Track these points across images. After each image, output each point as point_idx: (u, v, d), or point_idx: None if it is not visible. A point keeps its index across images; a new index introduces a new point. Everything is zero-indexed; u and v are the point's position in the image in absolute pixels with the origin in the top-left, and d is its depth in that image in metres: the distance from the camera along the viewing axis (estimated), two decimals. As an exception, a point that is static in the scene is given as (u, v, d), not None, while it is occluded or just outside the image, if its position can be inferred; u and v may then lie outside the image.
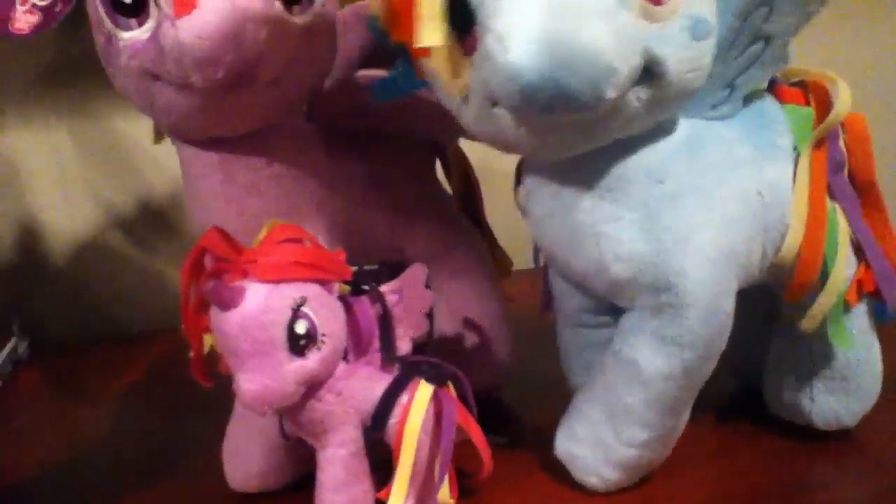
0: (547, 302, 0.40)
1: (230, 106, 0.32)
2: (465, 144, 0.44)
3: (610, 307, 0.35)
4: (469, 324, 0.42)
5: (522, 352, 0.44)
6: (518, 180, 0.35)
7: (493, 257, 0.45)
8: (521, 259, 0.47)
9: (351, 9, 0.38)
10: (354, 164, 0.38)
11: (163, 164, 0.61)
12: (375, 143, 0.39)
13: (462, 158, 0.45)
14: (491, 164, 0.43)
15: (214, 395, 0.35)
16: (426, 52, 0.28)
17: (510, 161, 0.34)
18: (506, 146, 0.30)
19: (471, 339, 0.43)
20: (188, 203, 0.38)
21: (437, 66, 0.28)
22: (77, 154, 0.61)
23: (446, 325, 0.42)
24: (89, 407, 0.50)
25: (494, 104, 0.28)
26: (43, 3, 0.35)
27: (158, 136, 0.41)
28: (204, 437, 0.42)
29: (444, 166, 0.45)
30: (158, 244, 0.64)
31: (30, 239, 0.62)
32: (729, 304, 0.32)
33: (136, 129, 0.60)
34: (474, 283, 0.43)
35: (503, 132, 0.29)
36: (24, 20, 0.35)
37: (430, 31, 0.27)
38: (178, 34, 0.29)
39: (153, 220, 0.63)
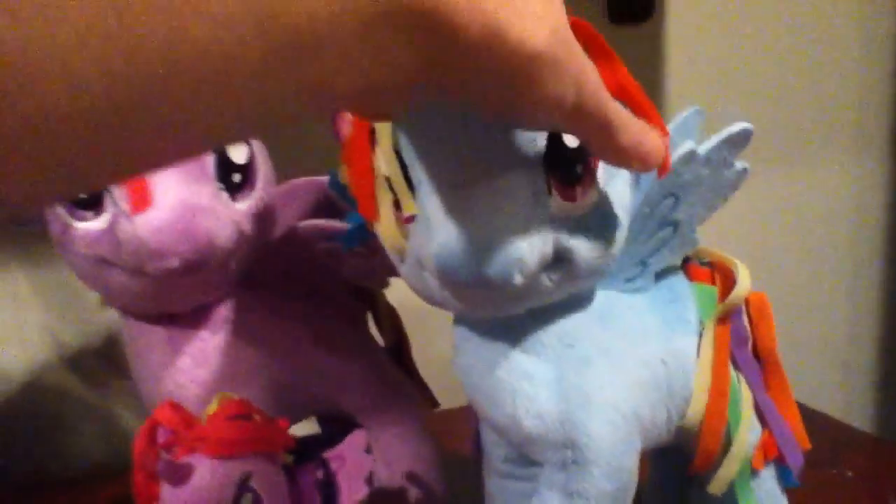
0: (477, 446, 0.42)
1: (180, 287, 0.36)
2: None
3: (532, 461, 0.36)
4: (403, 470, 0.45)
5: (458, 489, 0.46)
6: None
7: (420, 397, 0.48)
8: (454, 396, 0.49)
9: (306, 182, 0.42)
10: (295, 325, 0.41)
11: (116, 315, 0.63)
12: (313, 303, 0.42)
13: (390, 308, 0.48)
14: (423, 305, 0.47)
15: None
16: (374, 216, 0.32)
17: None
18: (434, 303, 0.33)
19: (406, 484, 0.45)
20: (134, 373, 0.40)
21: (382, 229, 0.32)
22: (36, 302, 0.63)
23: (382, 472, 0.44)
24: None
25: (423, 267, 0.31)
26: None
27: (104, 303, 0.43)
28: None
29: (375, 315, 0.48)
30: (110, 387, 0.65)
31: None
32: (631, 462, 0.34)
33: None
34: (406, 430, 0.45)
35: (431, 292, 0.32)
36: None
37: (381, 206, 0.31)
38: (134, 229, 0.32)
39: (105, 365, 0.65)
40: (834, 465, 0.54)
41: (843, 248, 0.88)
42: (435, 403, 0.49)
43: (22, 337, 0.63)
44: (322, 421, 0.46)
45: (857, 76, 0.85)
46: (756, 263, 0.40)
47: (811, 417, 0.57)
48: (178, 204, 0.33)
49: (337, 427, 0.42)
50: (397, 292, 0.45)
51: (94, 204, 0.34)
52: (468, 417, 0.43)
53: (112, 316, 0.62)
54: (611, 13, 0.72)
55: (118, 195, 0.33)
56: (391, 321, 0.48)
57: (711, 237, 0.39)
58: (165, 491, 0.31)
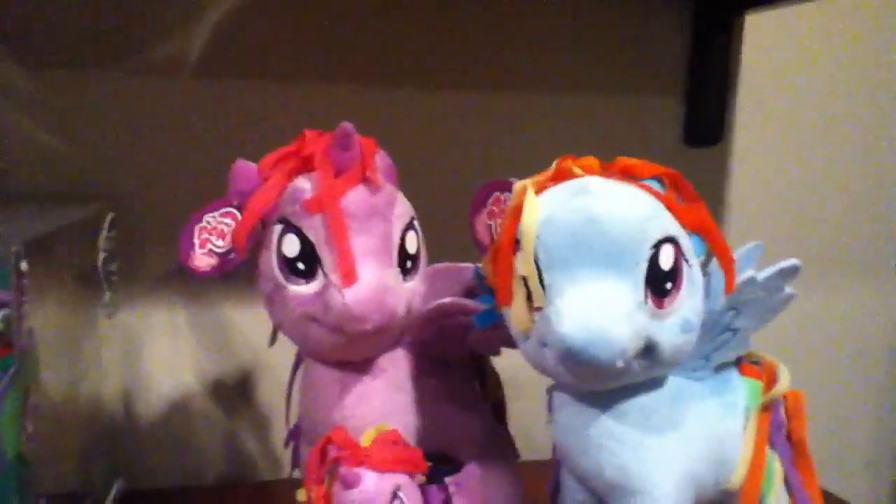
0: (553, 494, 0.51)
1: (365, 344, 0.45)
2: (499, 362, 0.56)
3: None
4: None
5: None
6: (549, 394, 0.46)
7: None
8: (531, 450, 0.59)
9: (452, 266, 0.53)
10: (431, 380, 0.50)
11: (254, 351, 0.75)
12: (443, 365, 0.51)
13: (495, 374, 0.57)
14: (518, 378, 0.57)
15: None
16: (508, 303, 0.41)
17: (531, 376, 0.45)
18: (547, 374, 0.42)
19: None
20: (306, 402, 0.50)
21: (514, 314, 0.41)
22: (189, 335, 0.74)
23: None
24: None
25: (545, 345, 0.39)
26: (219, 250, 0.46)
27: (273, 342, 0.52)
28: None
29: (481, 376, 0.57)
30: (241, 412, 0.77)
31: (138, 396, 0.74)
32: None
33: (242, 321, 0.74)
34: (501, 475, 0.54)
35: (548, 366, 0.40)
36: (202, 260, 0.45)
37: (515, 296, 0.41)
38: (342, 298, 0.42)
39: (238, 395, 0.76)
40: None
41: (873, 359, 0.98)
42: (517, 455, 0.57)
43: (175, 364, 0.74)
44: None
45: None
46: (799, 368, 0.49)
47: (833, 502, 0.65)
48: (375, 283, 0.43)
49: (441, 462, 0.51)
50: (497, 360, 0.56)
51: (308, 273, 0.44)
52: (540, 469, 0.52)
53: (246, 357, 0.75)
54: (686, 136, 0.84)
55: (329, 269, 0.43)
56: (495, 383, 0.57)
57: (766, 343, 0.48)
58: (341, 494, 0.42)
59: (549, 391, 0.47)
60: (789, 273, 0.44)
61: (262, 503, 0.68)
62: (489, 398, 0.57)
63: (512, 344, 0.44)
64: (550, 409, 0.46)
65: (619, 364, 0.37)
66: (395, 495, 0.42)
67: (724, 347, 0.46)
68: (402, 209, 0.47)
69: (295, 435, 0.55)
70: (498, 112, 0.79)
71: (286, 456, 0.57)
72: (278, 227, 0.45)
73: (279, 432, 0.70)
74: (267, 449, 0.77)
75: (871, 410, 0.99)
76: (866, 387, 0.98)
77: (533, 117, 0.79)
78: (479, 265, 0.48)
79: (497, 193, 0.51)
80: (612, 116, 0.81)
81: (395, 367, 0.50)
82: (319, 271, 0.44)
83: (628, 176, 0.42)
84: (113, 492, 0.65)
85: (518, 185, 0.43)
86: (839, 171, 0.91)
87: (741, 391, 0.46)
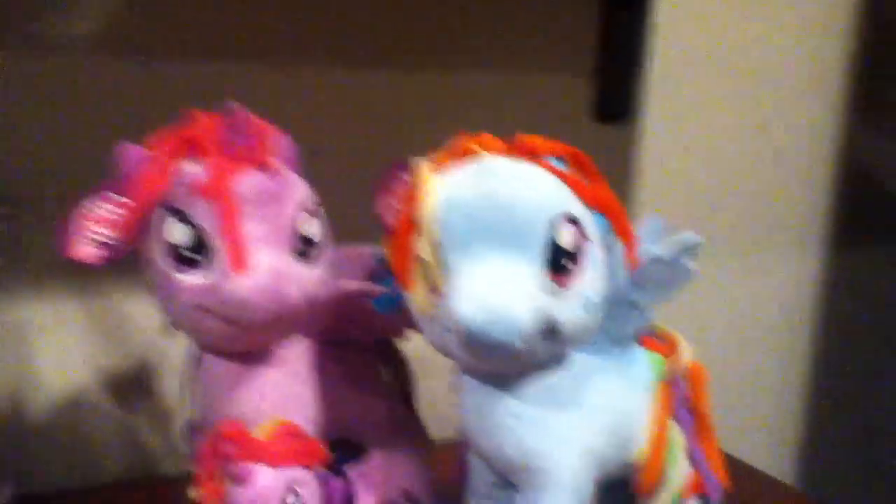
0: (463, 476, 0.50)
1: (260, 334, 0.44)
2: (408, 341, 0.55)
3: (509, 485, 0.44)
4: (402, 488, 0.52)
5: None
6: (456, 377, 0.45)
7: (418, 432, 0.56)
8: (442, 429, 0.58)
9: (354, 250, 0.51)
10: (333, 367, 0.49)
11: (150, 342, 0.72)
12: (346, 351, 0.50)
13: (402, 356, 0.56)
14: (427, 357, 0.56)
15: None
16: (410, 287, 0.40)
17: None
18: (452, 357, 0.41)
19: (402, 501, 0.52)
20: (201, 395, 0.48)
21: (415, 298, 0.40)
22: (81, 327, 0.70)
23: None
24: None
25: (447, 330, 0.38)
26: (103, 239, 0.42)
27: (168, 333, 0.48)
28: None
29: (388, 362, 0.56)
30: (136, 408, 0.74)
31: (27, 395, 0.70)
32: (588, 487, 0.43)
33: (136, 312, 0.71)
34: (407, 459, 0.53)
35: (451, 349, 0.40)
36: (85, 250, 0.42)
37: (416, 280, 0.39)
38: (234, 288, 0.40)
39: (135, 388, 0.73)
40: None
41: (775, 330, 1.02)
42: (427, 437, 0.56)
43: (65, 358, 0.70)
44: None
45: (802, 190, 0.99)
46: (706, 339, 0.50)
47: (738, 466, 0.67)
48: (270, 269, 0.41)
49: (345, 448, 0.50)
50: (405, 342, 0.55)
51: (198, 262, 0.41)
52: (450, 449, 0.51)
53: (142, 348, 0.72)
54: (596, 113, 0.84)
55: (220, 257, 0.40)
56: (402, 367, 0.56)
57: (673, 317, 0.49)
58: (233, 491, 0.40)
59: (456, 374, 0.46)
60: (690, 248, 0.44)
61: (164, 499, 0.65)
62: (394, 377, 0.56)
63: (416, 326, 0.43)
64: (457, 392, 0.45)
65: (520, 345, 0.37)
66: (290, 489, 0.40)
67: (626, 323, 0.46)
68: (300, 193, 0.45)
69: (193, 429, 0.52)
70: (405, 91, 0.77)
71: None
72: (164, 214, 0.43)
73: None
74: (168, 443, 0.74)
75: (775, 377, 1.03)
76: (771, 356, 1.02)
77: (441, 96, 0.78)
78: (382, 248, 0.46)
79: (401, 174, 0.50)
80: (521, 94, 0.81)
81: (296, 357, 0.48)
82: (210, 259, 0.42)
83: (530, 154, 0.41)
84: (1, 498, 0.62)
85: (416, 165, 0.42)
86: (748, 148, 0.94)
87: (644, 365, 0.47)
